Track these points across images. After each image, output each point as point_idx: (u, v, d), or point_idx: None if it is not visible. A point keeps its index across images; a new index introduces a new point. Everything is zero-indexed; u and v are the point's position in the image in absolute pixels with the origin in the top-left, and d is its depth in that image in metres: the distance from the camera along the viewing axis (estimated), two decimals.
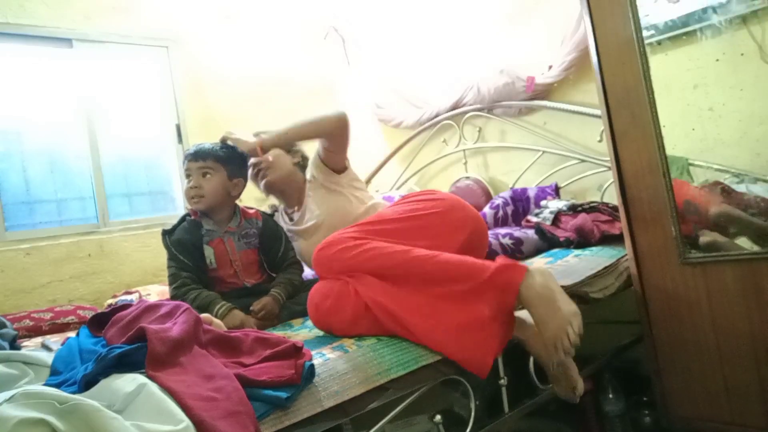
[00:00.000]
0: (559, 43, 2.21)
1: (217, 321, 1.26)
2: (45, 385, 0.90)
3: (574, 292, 1.47)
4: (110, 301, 2.21)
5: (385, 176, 3.16)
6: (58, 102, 2.62)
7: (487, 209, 2.24)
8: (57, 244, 2.44)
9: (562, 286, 1.43)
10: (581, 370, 1.27)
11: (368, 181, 3.20)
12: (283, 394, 0.90)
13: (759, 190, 1.37)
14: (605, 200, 2.08)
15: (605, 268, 1.59)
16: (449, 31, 2.76)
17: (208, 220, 1.64)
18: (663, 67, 1.43)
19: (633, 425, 1.69)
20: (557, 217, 1.95)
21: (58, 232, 2.50)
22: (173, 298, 1.52)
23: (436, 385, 1.17)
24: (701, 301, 1.38)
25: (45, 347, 1.52)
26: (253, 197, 1.96)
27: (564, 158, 2.27)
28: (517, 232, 1.94)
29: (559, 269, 1.59)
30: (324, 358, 1.06)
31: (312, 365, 0.99)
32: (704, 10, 1.41)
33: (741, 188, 1.40)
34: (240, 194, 1.71)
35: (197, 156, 1.62)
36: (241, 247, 1.64)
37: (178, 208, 2.92)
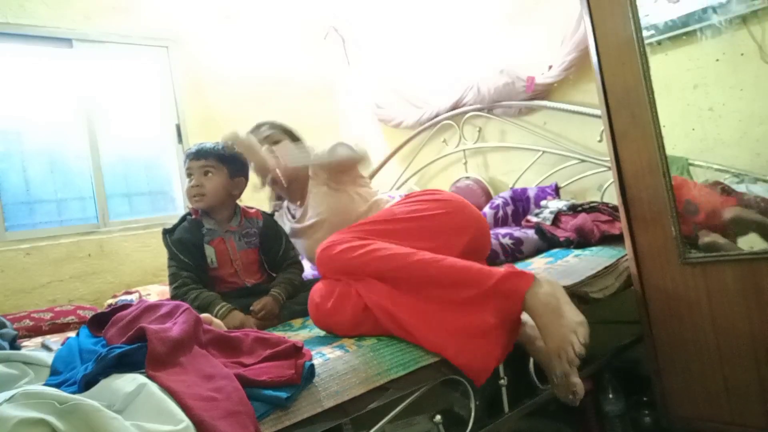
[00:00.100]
0: (559, 43, 2.21)
1: (217, 321, 1.26)
2: (45, 385, 0.90)
3: (574, 292, 1.47)
4: (110, 301, 2.21)
5: (385, 176, 3.16)
6: (58, 102, 2.62)
7: (487, 209, 2.24)
8: (57, 244, 2.44)
9: (562, 286, 1.44)
10: (581, 370, 1.26)
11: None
12: (283, 394, 0.90)
13: (759, 190, 1.37)
14: (605, 200, 2.08)
15: (605, 268, 1.59)
16: (449, 31, 2.76)
17: (209, 220, 1.64)
18: (663, 67, 1.43)
19: (633, 425, 1.69)
20: (557, 217, 1.95)
21: (58, 232, 2.50)
22: (173, 297, 1.52)
23: (436, 385, 1.17)
24: (701, 301, 1.38)
25: (45, 347, 1.52)
26: (254, 198, 1.95)
27: (564, 158, 2.27)
28: (517, 232, 1.94)
29: (559, 269, 1.59)
30: (324, 358, 1.06)
31: (312, 365, 0.99)
32: (704, 10, 1.41)
33: (741, 188, 1.40)
34: (241, 194, 1.71)
35: (199, 155, 1.63)
36: (242, 246, 1.64)
37: (178, 208, 2.92)
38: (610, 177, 1.64)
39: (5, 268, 2.31)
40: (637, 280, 1.49)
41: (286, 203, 1.90)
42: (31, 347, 1.60)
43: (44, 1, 2.54)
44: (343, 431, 1.43)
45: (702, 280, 1.38)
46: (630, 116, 1.45)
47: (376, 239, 1.28)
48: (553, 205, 2.03)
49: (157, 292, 2.19)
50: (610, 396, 1.66)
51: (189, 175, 1.64)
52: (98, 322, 1.15)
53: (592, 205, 1.95)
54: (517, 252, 1.87)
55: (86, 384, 0.86)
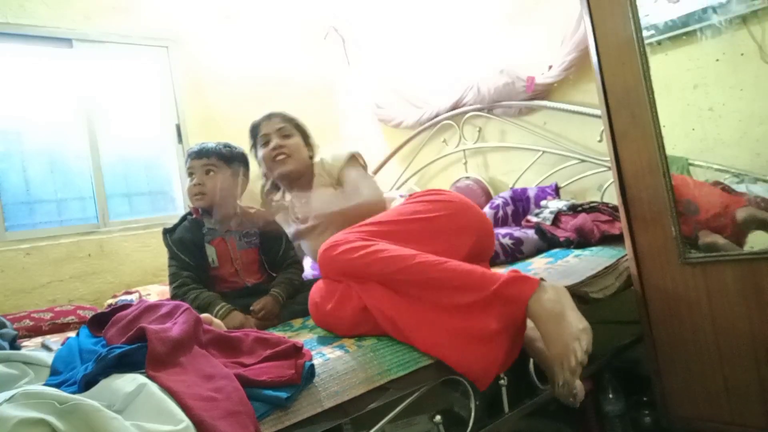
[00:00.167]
0: (559, 43, 2.21)
1: (217, 321, 1.26)
2: (45, 385, 0.90)
3: (574, 292, 1.47)
4: (110, 301, 2.21)
5: (385, 176, 3.16)
6: (58, 102, 2.62)
7: (487, 209, 2.24)
8: (57, 244, 2.44)
9: (564, 287, 1.44)
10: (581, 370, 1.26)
11: None
12: (283, 394, 0.90)
13: (759, 190, 1.37)
14: (605, 200, 2.08)
15: (605, 268, 1.59)
16: (449, 31, 2.76)
17: (210, 219, 1.65)
18: (663, 67, 1.43)
19: (633, 425, 1.69)
20: (557, 217, 1.95)
21: (58, 232, 2.51)
22: (173, 297, 1.52)
23: (436, 385, 1.17)
24: (701, 301, 1.38)
25: (45, 347, 1.52)
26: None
27: (564, 158, 2.27)
28: (517, 232, 1.94)
29: (559, 269, 1.59)
30: (324, 358, 1.06)
31: (312, 365, 0.99)
32: (704, 10, 1.41)
33: (741, 188, 1.40)
34: (242, 193, 1.71)
35: (201, 154, 1.63)
36: (242, 246, 1.65)
37: (178, 208, 2.93)
38: (610, 177, 1.64)
39: (5, 268, 2.31)
40: (637, 280, 1.49)
41: (289, 202, 1.87)
42: (31, 347, 1.60)
43: (44, 1, 2.54)
44: (343, 431, 1.43)
45: (702, 280, 1.38)
46: (630, 116, 1.44)
47: (379, 240, 1.26)
48: (553, 205, 2.03)
49: (157, 292, 2.19)
50: (610, 396, 1.66)
51: (190, 174, 1.65)
52: (98, 322, 1.15)
53: (592, 205, 1.95)
54: (517, 252, 1.88)
55: (86, 384, 0.86)
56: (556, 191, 2.23)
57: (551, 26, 2.27)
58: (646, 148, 1.42)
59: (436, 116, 2.78)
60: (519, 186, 2.41)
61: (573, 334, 1.05)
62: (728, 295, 1.34)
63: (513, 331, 1.15)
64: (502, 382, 1.28)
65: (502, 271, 1.63)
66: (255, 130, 1.79)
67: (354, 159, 1.73)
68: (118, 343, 0.94)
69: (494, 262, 1.79)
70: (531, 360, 1.31)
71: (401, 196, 1.76)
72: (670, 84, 1.44)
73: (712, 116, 1.42)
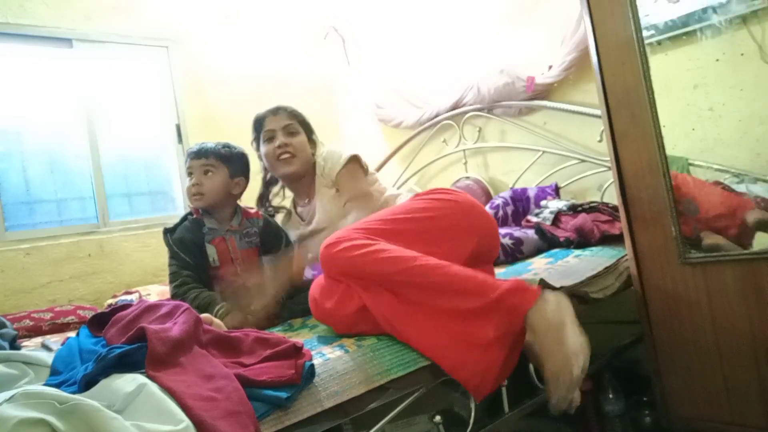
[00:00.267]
0: (559, 43, 2.21)
1: (217, 321, 1.26)
2: (45, 385, 0.90)
3: (574, 292, 1.47)
4: (110, 301, 2.21)
5: (385, 176, 3.16)
6: (58, 102, 2.62)
7: (487, 209, 2.24)
8: (57, 244, 2.44)
9: (563, 287, 1.44)
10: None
11: None
12: (283, 394, 0.90)
13: (759, 190, 1.37)
14: (605, 200, 2.08)
15: (605, 268, 1.59)
16: (449, 31, 2.76)
17: (210, 219, 1.65)
18: (663, 67, 1.43)
19: (633, 425, 1.69)
20: (557, 217, 1.95)
21: (58, 232, 2.51)
22: (174, 296, 1.52)
23: (436, 385, 1.17)
24: (701, 301, 1.38)
25: (45, 347, 1.52)
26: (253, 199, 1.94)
27: (564, 158, 2.27)
28: (517, 232, 1.94)
29: (559, 269, 1.59)
30: (324, 358, 1.06)
31: (312, 365, 0.99)
32: (704, 10, 1.41)
33: (741, 188, 1.40)
34: (241, 193, 1.71)
35: (200, 154, 1.63)
36: (243, 246, 1.65)
37: (178, 208, 2.93)
38: (610, 177, 1.64)
39: (5, 268, 2.31)
40: (637, 280, 1.49)
41: (293, 206, 1.87)
42: (31, 347, 1.60)
43: (44, 1, 2.54)
44: (343, 431, 1.43)
45: (702, 280, 1.38)
46: (630, 116, 1.44)
47: (381, 239, 1.24)
48: (553, 205, 2.03)
49: (157, 292, 2.19)
50: (610, 396, 1.66)
51: (189, 174, 1.65)
52: (98, 322, 1.15)
53: (592, 205, 1.95)
54: (517, 252, 1.88)
55: (86, 384, 0.86)
56: (556, 191, 2.23)
57: (551, 26, 2.27)
58: (646, 148, 1.42)
59: (436, 116, 2.78)
60: (519, 186, 2.41)
61: (571, 351, 1.02)
62: (728, 295, 1.33)
63: (511, 341, 1.12)
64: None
65: (503, 272, 1.66)
66: (259, 123, 1.75)
67: (352, 163, 1.68)
68: (118, 343, 0.94)
69: (495, 262, 1.79)
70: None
71: (408, 191, 1.75)
72: (670, 84, 1.44)
73: (712, 116, 1.42)
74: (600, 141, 2.10)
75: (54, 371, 1.02)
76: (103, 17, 2.71)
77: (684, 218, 1.40)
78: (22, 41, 2.53)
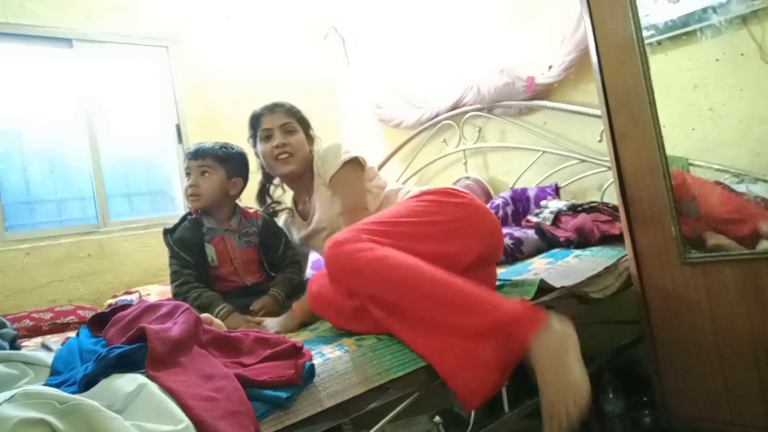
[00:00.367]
0: (559, 43, 2.21)
1: (217, 321, 1.26)
2: (45, 385, 0.90)
3: (575, 292, 1.48)
4: (110, 301, 2.21)
5: (385, 176, 3.15)
6: (58, 102, 2.62)
7: None
8: (57, 244, 2.44)
9: (563, 287, 1.44)
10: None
11: None
12: (283, 394, 0.90)
13: (759, 190, 1.37)
14: (605, 200, 2.08)
15: (605, 268, 1.59)
16: (449, 31, 2.76)
17: (209, 219, 1.65)
18: (663, 67, 1.43)
19: (633, 425, 1.69)
20: (557, 217, 1.95)
21: (58, 232, 2.51)
22: (175, 295, 1.53)
23: (436, 385, 1.17)
24: (701, 301, 1.38)
25: (45, 347, 1.52)
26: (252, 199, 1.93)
27: (564, 158, 2.27)
28: (517, 232, 1.94)
29: (559, 269, 1.59)
30: (324, 358, 1.06)
31: (312, 365, 0.99)
32: (704, 10, 1.41)
33: (741, 188, 1.40)
34: (239, 194, 1.71)
35: (197, 155, 1.63)
36: (242, 245, 1.65)
37: (178, 208, 2.93)
38: (610, 177, 1.64)
39: (5, 268, 2.31)
40: (637, 280, 1.49)
41: (293, 201, 1.85)
42: (31, 347, 1.60)
43: (44, 1, 2.54)
44: (343, 431, 1.43)
45: (702, 280, 1.38)
46: (630, 116, 1.44)
47: (388, 241, 1.22)
48: (553, 205, 2.03)
49: (157, 292, 2.19)
50: (610, 396, 1.66)
51: (187, 174, 1.65)
52: (98, 322, 1.15)
53: (592, 205, 1.95)
54: (517, 252, 1.88)
55: (86, 384, 0.86)
56: (556, 191, 2.23)
57: (551, 26, 2.27)
58: (646, 148, 1.42)
59: (436, 116, 2.78)
60: (519, 186, 2.41)
61: (570, 389, 0.99)
62: (728, 295, 1.34)
63: (509, 363, 1.09)
64: None
65: (503, 272, 1.65)
66: (256, 121, 1.70)
67: (348, 166, 1.58)
68: (118, 343, 0.94)
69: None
70: None
71: (400, 188, 1.67)
72: (670, 84, 1.44)
73: (712, 116, 1.42)
74: (600, 141, 2.10)
75: (54, 371, 1.02)
76: (103, 17, 2.71)
77: (684, 218, 1.40)
78: (22, 41, 2.53)
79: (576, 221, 1.86)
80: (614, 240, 1.77)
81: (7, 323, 1.40)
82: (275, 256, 1.69)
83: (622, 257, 1.64)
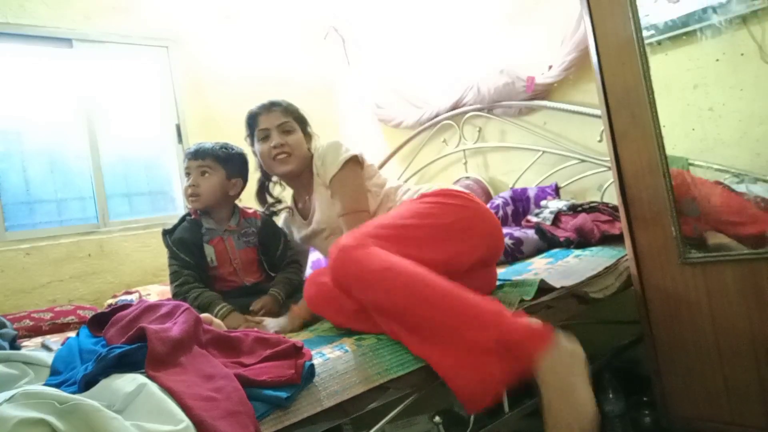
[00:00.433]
0: (559, 43, 2.21)
1: (217, 321, 1.26)
2: (45, 385, 0.90)
3: (574, 292, 1.48)
4: (110, 301, 2.21)
5: (385, 176, 3.16)
6: (58, 102, 2.62)
7: None
8: (57, 244, 2.44)
9: (563, 287, 1.44)
10: None
11: None
12: (283, 394, 0.90)
13: (759, 190, 1.37)
14: (605, 200, 2.08)
15: (605, 268, 1.59)
16: (449, 31, 2.76)
17: (208, 219, 1.65)
18: (663, 67, 1.43)
19: (633, 425, 1.69)
20: (557, 217, 1.95)
21: (58, 232, 2.51)
22: (175, 295, 1.53)
23: (436, 385, 1.17)
24: (701, 301, 1.38)
25: (45, 347, 1.52)
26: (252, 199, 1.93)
27: (564, 158, 2.27)
28: (517, 232, 1.94)
29: (559, 269, 1.59)
30: (324, 358, 1.06)
31: (312, 365, 0.99)
32: (704, 10, 1.41)
33: (741, 188, 1.40)
34: (239, 194, 1.71)
35: (197, 155, 1.63)
36: (241, 245, 1.65)
37: (178, 208, 2.93)
38: (610, 177, 1.64)
39: (5, 268, 2.31)
40: (637, 280, 1.49)
41: (292, 199, 1.83)
42: (31, 347, 1.60)
43: (44, 1, 2.54)
44: (343, 431, 1.43)
45: (702, 280, 1.38)
46: (630, 116, 1.44)
47: (391, 245, 1.20)
48: (553, 205, 2.03)
49: (157, 292, 2.19)
50: (610, 396, 1.66)
51: (187, 174, 1.65)
52: (98, 322, 1.15)
53: (592, 205, 1.95)
54: (517, 252, 1.88)
55: (86, 384, 0.86)
56: (556, 191, 2.23)
57: (551, 26, 2.27)
58: (646, 148, 1.42)
59: (436, 116, 2.78)
60: (519, 186, 2.41)
61: (576, 412, 0.96)
62: (728, 295, 1.33)
63: (514, 378, 1.06)
64: None
65: (503, 272, 1.65)
66: (253, 120, 1.68)
67: (347, 166, 1.55)
68: (118, 343, 0.94)
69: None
70: None
71: (400, 185, 1.65)
72: (670, 84, 1.44)
73: (712, 116, 1.42)
74: (600, 141, 2.10)
75: (54, 371, 1.02)
76: (103, 17, 2.71)
77: (684, 218, 1.40)
78: (22, 41, 2.53)
79: (576, 221, 1.86)
80: (614, 240, 1.77)
81: (7, 323, 1.41)
82: (274, 256, 1.69)
83: (622, 257, 1.64)
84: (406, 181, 3.03)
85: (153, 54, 2.92)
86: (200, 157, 1.63)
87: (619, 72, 1.45)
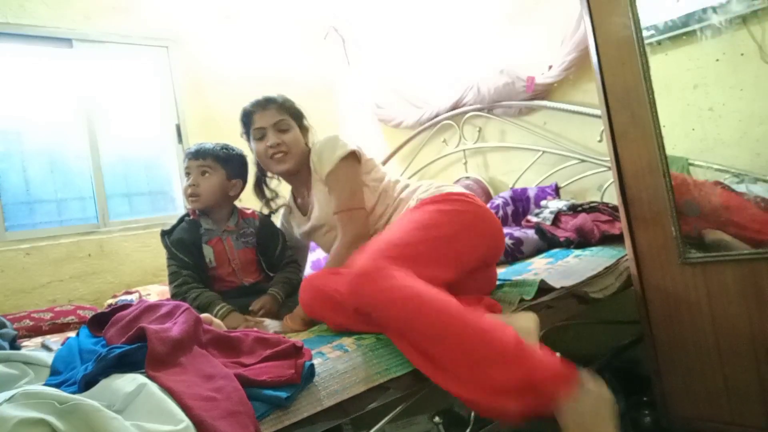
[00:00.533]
0: (559, 43, 2.21)
1: (217, 321, 1.26)
2: (45, 385, 0.90)
3: (574, 292, 1.48)
4: (110, 301, 2.21)
5: (384, 170, 3.16)
6: (58, 102, 2.62)
7: None
8: (57, 244, 2.44)
9: (563, 287, 1.44)
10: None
11: None
12: (283, 394, 0.90)
13: (759, 190, 1.37)
14: (605, 200, 2.08)
15: (605, 268, 1.59)
16: (449, 31, 2.76)
17: (207, 220, 1.65)
18: (663, 67, 1.43)
19: (633, 425, 1.69)
20: (557, 217, 1.95)
21: (58, 232, 2.51)
22: (174, 296, 1.52)
23: (436, 385, 1.17)
24: (701, 301, 1.38)
25: (45, 347, 1.52)
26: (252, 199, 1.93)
27: (564, 158, 2.27)
28: (517, 232, 1.94)
29: (559, 269, 1.59)
30: (324, 358, 1.06)
31: (312, 365, 0.99)
32: (704, 10, 1.41)
33: (741, 188, 1.40)
34: (238, 195, 1.71)
35: (197, 155, 1.63)
36: (239, 246, 1.65)
37: (178, 208, 2.93)
38: (610, 177, 1.64)
39: (5, 268, 2.31)
40: (637, 280, 1.49)
41: (291, 195, 1.82)
42: (31, 347, 1.60)
43: (44, 1, 2.54)
44: (343, 431, 1.43)
45: (702, 280, 1.38)
46: (630, 116, 1.44)
47: (403, 266, 1.17)
48: (553, 205, 2.03)
49: (157, 292, 2.19)
50: None
51: (187, 174, 1.65)
52: (98, 322, 1.15)
53: (592, 205, 1.95)
54: (517, 252, 1.88)
55: (86, 384, 0.86)
56: (556, 191, 2.23)
57: (551, 26, 2.27)
58: (646, 148, 1.42)
59: (436, 116, 2.78)
60: (519, 186, 2.41)
61: None
62: (728, 295, 1.34)
63: (531, 416, 1.01)
64: None
65: (503, 272, 1.65)
66: (248, 118, 1.66)
67: (344, 163, 1.53)
68: (118, 343, 0.94)
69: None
70: None
71: (397, 181, 1.65)
72: (670, 84, 1.44)
73: (712, 116, 1.42)
74: (600, 141, 2.10)
75: (54, 371, 1.02)
76: (103, 17, 2.71)
77: (684, 218, 1.40)
78: (22, 41, 2.53)
79: (576, 221, 1.86)
80: (614, 240, 1.77)
81: (7, 323, 1.40)
82: (273, 256, 1.69)
83: (622, 257, 1.64)
84: None
85: (153, 54, 2.92)
86: (201, 157, 1.63)
87: (619, 72, 1.45)
